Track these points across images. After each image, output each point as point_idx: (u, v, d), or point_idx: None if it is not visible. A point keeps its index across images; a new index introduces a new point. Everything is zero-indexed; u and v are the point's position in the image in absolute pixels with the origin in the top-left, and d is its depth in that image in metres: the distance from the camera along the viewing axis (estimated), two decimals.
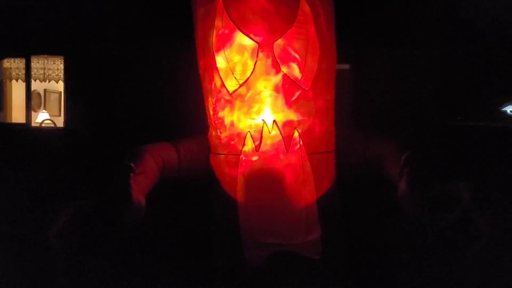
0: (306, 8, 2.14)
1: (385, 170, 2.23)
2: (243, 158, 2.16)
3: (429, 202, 1.88)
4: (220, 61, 2.17)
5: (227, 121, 2.20)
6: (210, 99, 2.28)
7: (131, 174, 2.04)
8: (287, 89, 2.12)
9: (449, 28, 3.73)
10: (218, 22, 2.16)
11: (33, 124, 5.00)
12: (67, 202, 1.94)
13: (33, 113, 5.32)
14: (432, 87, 3.85)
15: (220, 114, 2.22)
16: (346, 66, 3.77)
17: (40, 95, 6.57)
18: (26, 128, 4.11)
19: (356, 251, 2.53)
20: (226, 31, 2.14)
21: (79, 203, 1.93)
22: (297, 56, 2.15)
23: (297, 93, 2.14)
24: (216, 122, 2.26)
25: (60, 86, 6.10)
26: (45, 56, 5.25)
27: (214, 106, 2.25)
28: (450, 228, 1.80)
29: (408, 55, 3.76)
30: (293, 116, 2.14)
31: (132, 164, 2.09)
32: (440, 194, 1.86)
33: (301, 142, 2.14)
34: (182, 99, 2.94)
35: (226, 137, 2.22)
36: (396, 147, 2.24)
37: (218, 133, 2.25)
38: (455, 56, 3.75)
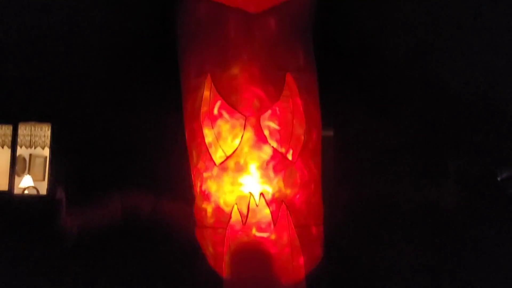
0: (292, 82, 2.19)
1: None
2: (230, 232, 2.11)
3: None
4: (207, 133, 2.19)
5: (213, 193, 2.18)
6: (196, 171, 2.27)
7: (62, 200, 2.39)
8: (273, 161, 2.13)
9: (431, 98, 3.84)
10: (206, 95, 2.20)
11: (16, 189, 4.93)
12: None
13: (16, 178, 5.24)
14: (418, 153, 3.90)
15: (206, 186, 2.20)
16: (330, 133, 3.82)
17: (25, 160, 6.48)
18: (7, 197, 4.02)
19: None
20: (214, 104, 2.18)
21: None
22: (283, 128, 2.17)
23: (284, 165, 2.14)
24: (202, 194, 2.23)
25: (46, 152, 6.04)
26: (33, 122, 5.25)
27: (200, 178, 2.24)
28: None
29: (393, 122, 3.84)
30: (280, 188, 2.13)
31: (59, 189, 2.51)
32: None
33: (289, 215, 2.11)
34: (169, 170, 2.92)
35: (212, 209, 2.18)
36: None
37: (204, 206, 2.22)
38: (439, 126, 3.83)
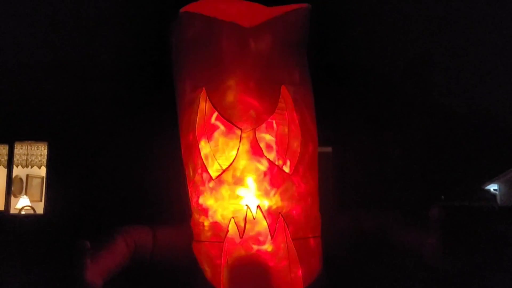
0: (287, 95, 2.20)
1: (393, 234, 2.39)
2: (227, 246, 2.09)
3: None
4: (203, 147, 2.19)
5: (210, 206, 2.16)
6: (192, 184, 2.26)
7: (86, 253, 1.94)
8: (270, 174, 2.12)
9: (431, 111, 3.86)
10: (201, 109, 2.20)
11: (12, 210, 4.88)
12: None
13: (13, 199, 5.20)
14: (415, 168, 3.90)
15: (203, 199, 2.19)
16: (328, 149, 3.83)
17: (22, 180, 6.46)
18: (4, 216, 4.00)
19: None
20: (209, 118, 2.18)
21: None
22: (279, 141, 2.17)
23: (281, 178, 2.13)
24: (198, 208, 2.22)
25: (43, 172, 6.02)
26: (29, 142, 5.23)
27: (196, 191, 2.22)
28: None
29: (390, 136, 3.85)
30: (277, 200, 2.12)
31: (86, 242, 1.95)
32: None
33: (286, 227, 2.09)
34: (165, 185, 2.92)
35: (209, 223, 2.16)
36: (395, 216, 2.49)
37: (201, 220, 2.20)
38: (437, 137, 3.84)
